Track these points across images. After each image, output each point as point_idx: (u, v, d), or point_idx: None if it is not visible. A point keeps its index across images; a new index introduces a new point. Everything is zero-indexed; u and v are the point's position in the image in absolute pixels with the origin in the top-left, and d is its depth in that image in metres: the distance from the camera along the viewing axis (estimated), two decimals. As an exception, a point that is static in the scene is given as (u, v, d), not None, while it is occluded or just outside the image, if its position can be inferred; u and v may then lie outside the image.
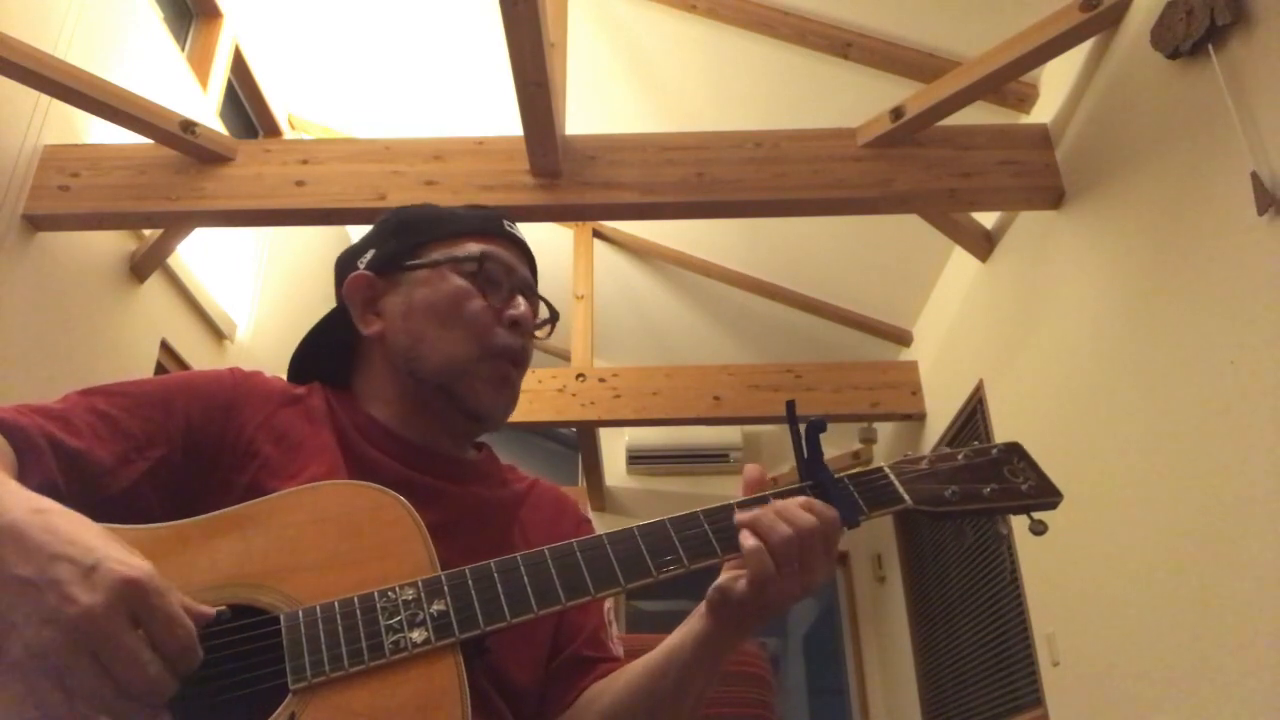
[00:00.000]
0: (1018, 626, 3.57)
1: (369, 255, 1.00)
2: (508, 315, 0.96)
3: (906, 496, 0.85)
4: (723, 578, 0.80)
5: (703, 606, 0.82)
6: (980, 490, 0.86)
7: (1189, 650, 2.40)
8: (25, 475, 0.74)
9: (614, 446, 6.08)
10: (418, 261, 0.97)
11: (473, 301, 0.95)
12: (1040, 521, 0.86)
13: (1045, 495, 0.87)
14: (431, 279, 0.96)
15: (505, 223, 1.03)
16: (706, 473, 6.03)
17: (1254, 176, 2.10)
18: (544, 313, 1.05)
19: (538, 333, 1.03)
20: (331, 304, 1.04)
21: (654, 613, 5.74)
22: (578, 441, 5.52)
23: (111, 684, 0.60)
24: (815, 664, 6.12)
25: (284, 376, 1.02)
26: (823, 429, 0.84)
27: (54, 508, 0.67)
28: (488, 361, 0.95)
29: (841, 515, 0.81)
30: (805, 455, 0.84)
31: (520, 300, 0.98)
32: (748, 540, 0.76)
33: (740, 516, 0.78)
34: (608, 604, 1.00)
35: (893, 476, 0.87)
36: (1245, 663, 2.18)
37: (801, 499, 0.79)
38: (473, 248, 0.98)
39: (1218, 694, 2.28)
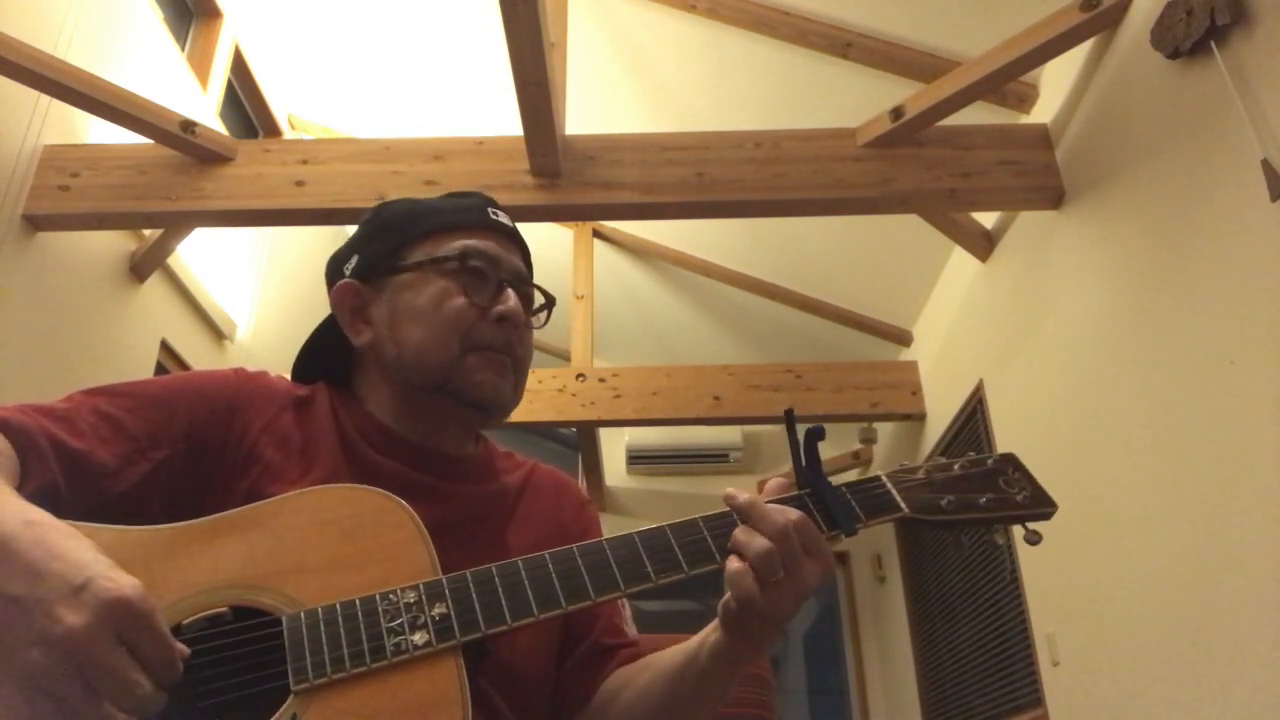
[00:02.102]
0: (1018, 626, 3.57)
1: (354, 261, 0.98)
2: (494, 311, 0.93)
3: (904, 505, 0.85)
4: (724, 598, 0.80)
5: (717, 620, 0.82)
6: (976, 500, 0.87)
7: (1189, 650, 2.40)
8: (27, 476, 0.74)
9: (614, 446, 6.08)
10: (400, 264, 0.95)
11: (453, 300, 0.93)
12: (1035, 532, 0.87)
13: (1039, 506, 0.88)
14: (414, 282, 0.94)
15: (490, 211, 0.99)
16: (706, 473, 6.03)
17: (1265, 164, 2.10)
18: (539, 300, 1.02)
19: (534, 320, 1.00)
20: None
21: (653, 613, 5.74)
22: (578, 441, 5.52)
23: (97, 705, 0.60)
24: (815, 664, 6.12)
25: (288, 376, 1.02)
26: (821, 436, 0.84)
27: (47, 520, 0.66)
28: (473, 354, 0.93)
29: (839, 523, 0.81)
30: (803, 463, 0.84)
31: (509, 294, 0.95)
32: (730, 564, 0.76)
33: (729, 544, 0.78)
34: None
35: (890, 485, 0.87)
36: (1245, 662, 2.18)
37: (776, 507, 0.78)
38: (454, 244, 0.95)
39: (1217, 693, 2.28)
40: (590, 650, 0.95)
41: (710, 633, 0.83)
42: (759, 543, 0.75)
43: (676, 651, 0.87)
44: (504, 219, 1.00)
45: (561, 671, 0.94)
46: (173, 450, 0.85)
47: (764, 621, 0.76)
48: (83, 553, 0.64)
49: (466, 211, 0.98)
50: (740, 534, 0.77)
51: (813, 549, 0.76)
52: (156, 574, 0.71)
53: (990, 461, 0.91)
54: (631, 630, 0.99)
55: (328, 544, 0.78)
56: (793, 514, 0.76)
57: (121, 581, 0.62)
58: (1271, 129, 2.12)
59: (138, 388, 0.88)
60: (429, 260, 0.94)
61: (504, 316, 0.93)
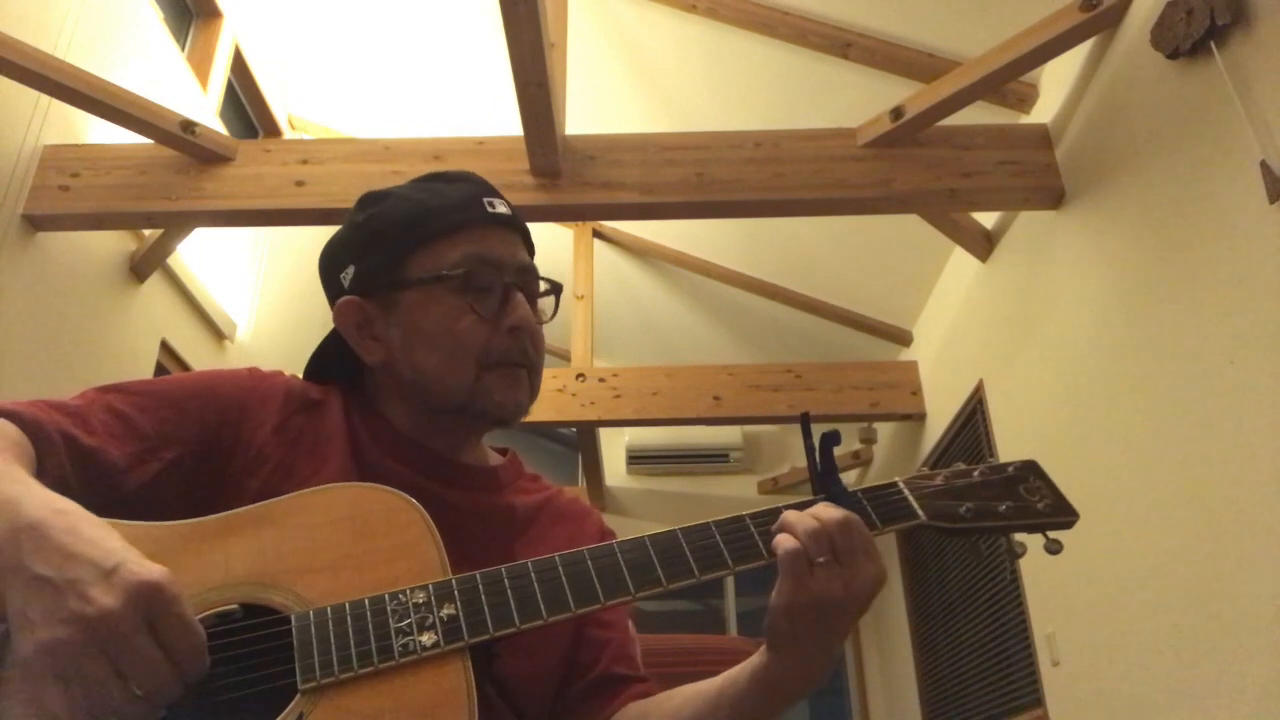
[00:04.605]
0: (1018, 626, 3.58)
1: (350, 273, 0.94)
2: (505, 324, 0.91)
3: (921, 512, 0.84)
4: (771, 597, 0.79)
5: (764, 644, 0.81)
6: (996, 508, 0.85)
7: (1189, 649, 2.40)
8: (40, 471, 0.75)
9: (614, 446, 6.08)
10: (402, 280, 0.92)
11: (464, 320, 0.90)
12: (1056, 540, 0.86)
13: (1061, 514, 0.87)
14: (420, 302, 0.91)
15: (486, 202, 0.94)
16: (706, 473, 6.03)
17: (1263, 165, 2.10)
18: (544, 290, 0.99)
19: (543, 313, 0.98)
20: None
21: (653, 613, 5.74)
22: (578, 441, 5.52)
23: (122, 685, 0.61)
24: (815, 663, 6.11)
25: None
26: (837, 442, 0.83)
27: (76, 509, 0.67)
28: (490, 372, 0.91)
29: None
30: (819, 469, 0.83)
31: (518, 300, 0.92)
32: (781, 541, 0.76)
33: (775, 526, 0.78)
34: (629, 619, 0.99)
35: (907, 492, 0.86)
36: (1245, 661, 2.18)
37: (822, 502, 0.79)
38: (455, 254, 0.91)
39: (1217, 693, 2.28)
40: (598, 678, 0.93)
41: (754, 657, 0.81)
42: (808, 522, 0.75)
43: (716, 679, 0.85)
44: (501, 208, 0.95)
45: (568, 696, 0.92)
46: (184, 450, 0.85)
47: (810, 615, 0.75)
48: (113, 540, 0.65)
49: (463, 209, 0.94)
50: (791, 514, 0.77)
51: (870, 549, 0.76)
52: (169, 569, 0.71)
53: (1011, 469, 0.90)
54: (640, 661, 0.97)
55: (338, 543, 0.78)
56: (838, 511, 0.77)
57: (152, 567, 0.64)
58: (1270, 130, 2.12)
59: (152, 386, 0.88)
60: (433, 279, 0.91)
61: (516, 328, 0.92)
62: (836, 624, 0.76)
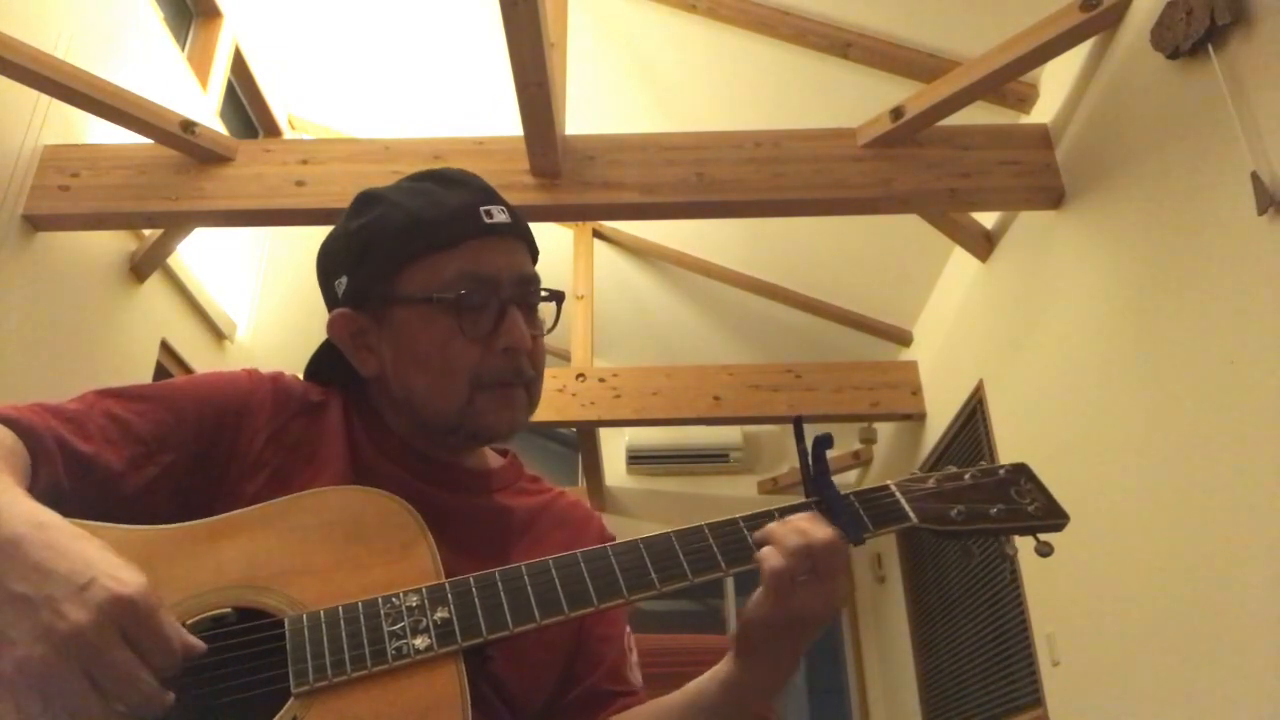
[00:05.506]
0: (1018, 626, 3.57)
1: (344, 283, 0.92)
2: (498, 345, 0.89)
3: (912, 515, 0.85)
4: (745, 607, 0.80)
5: (731, 651, 0.82)
6: (986, 510, 0.86)
7: (1189, 650, 2.40)
8: (34, 477, 0.75)
9: (614, 446, 6.08)
10: (394, 296, 0.89)
11: (455, 343, 0.88)
12: (1046, 543, 0.87)
13: (1051, 517, 0.88)
14: (411, 321, 0.89)
15: (483, 211, 0.90)
16: (706, 473, 6.03)
17: (1254, 176, 2.11)
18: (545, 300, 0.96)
19: (543, 324, 0.95)
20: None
21: (653, 613, 5.74)
22: (578, 441, 5.52)
23: (101, 700, 0.61)
24: (815, 664, 6.12)
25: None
26: (829, 445, 0.83)
27: (56, 522, 0.67)
28: (483, 393, 0.89)
29: (847, 533, 0.81)
30: (812, 472, 0.84)
31: (513, 319, 0.89)
32: (764, 555, 0.77)
33: (757, 535, 0.79)
34: (628, 632, 0.99)
35: (899, 494, 0.86)
36: (1245, 662, 2.18)
37: (808, 514, 0.79)
38: (448, 272, 0.88)
39: (1218, 693, 2.28)
40: (587, 693, 0.92)
41: (721, 665, 0.82)
42: (794, 539, 0.76)
43: (684, 690, 0.86)
44: (500, 215, 0.91)
45: (560, 704, 0.92)
46: (180, 454, 0.84)
47: (792, 629, 0.77)
48: (91, 552, 0.65)
49: (458, 221, 0.89)
50: (776, 528, 0.78)
51: (843, 563, 0.77)
52: (161, 573, 0.71)
53: (1002, 471, 0.91)
54: (636, 676, 0.97)
55: (332, 545, 0.78)
56: (823, 521, 0.78)
57: (126, 579, 0.63)
58: (1263, 140, 2.12)
59: (150, 390, 0.88)
60: (423, 298, 0.88)
61: (509, 349, 0.89)
62: (808, 635, 0.78)
